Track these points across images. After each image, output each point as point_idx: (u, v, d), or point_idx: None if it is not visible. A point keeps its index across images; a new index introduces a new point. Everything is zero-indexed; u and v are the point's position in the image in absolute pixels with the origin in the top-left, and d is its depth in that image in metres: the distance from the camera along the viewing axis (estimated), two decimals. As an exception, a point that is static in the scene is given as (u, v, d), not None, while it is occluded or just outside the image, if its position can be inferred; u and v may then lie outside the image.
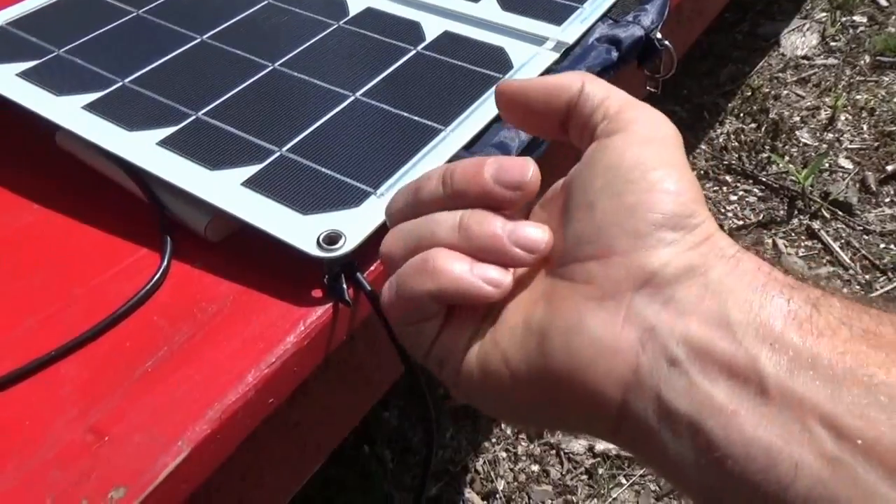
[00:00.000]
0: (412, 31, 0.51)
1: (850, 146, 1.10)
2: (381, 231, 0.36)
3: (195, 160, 0.40)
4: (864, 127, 1.14)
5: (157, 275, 0.38)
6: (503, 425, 0.80)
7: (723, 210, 1.03)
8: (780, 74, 1.28)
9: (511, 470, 0.76)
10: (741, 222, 1.01)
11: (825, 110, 1.18)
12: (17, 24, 0.52)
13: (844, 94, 1.21)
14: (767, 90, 1.23)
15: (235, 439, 0.33)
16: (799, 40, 1.38)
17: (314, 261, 0.35)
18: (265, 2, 0.54)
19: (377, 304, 0.35)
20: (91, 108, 0.44)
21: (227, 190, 0.38)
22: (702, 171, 1.09)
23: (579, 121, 0.27)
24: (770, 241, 0.98)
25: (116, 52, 0.49)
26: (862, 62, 1.29)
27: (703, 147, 1.13)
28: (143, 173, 0.40)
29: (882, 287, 0.90)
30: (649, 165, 0.25)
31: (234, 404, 0.32)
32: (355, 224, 0.36)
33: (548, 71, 0.47)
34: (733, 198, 1.05)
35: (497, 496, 0.73)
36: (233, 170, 0.39)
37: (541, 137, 0.28)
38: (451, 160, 0.40)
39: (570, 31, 0.50)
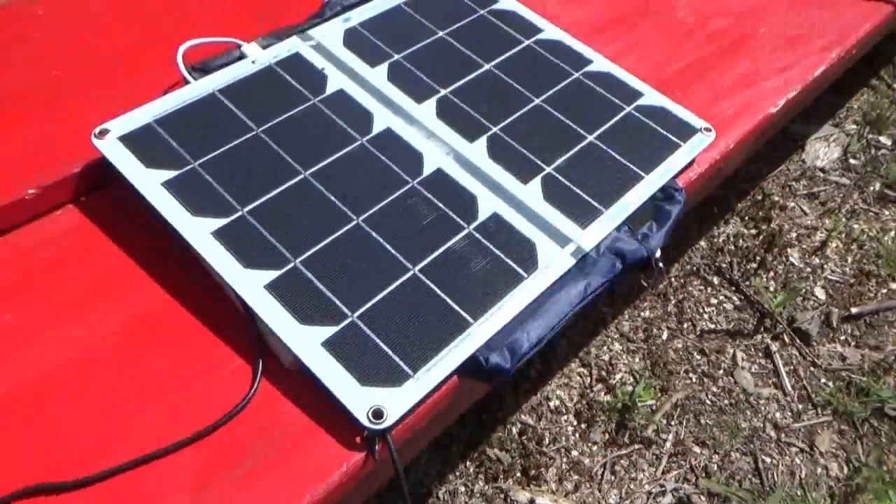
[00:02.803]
0: (469, 206, 0.64)
1: (829, 276, 1.24)
2: (413, 409, 0.52)
3: (290, 310, 0.55)
4: (849, 259, 1.27)
5: (251, 393, 0.53)
6: (468, 463, 0.98)
7: (701, 311, 1.18)
8: (794, 183, 1.40)
9: (468, 501, 0.94)
10: (713, 326, 1.16)
11: (822, 233, 1.30)
12: (161, 124, 0.66)
13: (844, 219, 1.33)
14: (777, 198, 1.35)
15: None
16: (822, 150, 1.49)
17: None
18: (358, 142, 0.68)
19: (396, 463, 0.51)
20: (218, 235, 0.59)
21: (310, 347, 0.53)
22: (694, 268, 1.23)
23: None
24: (731, 351, 1.14)
25: (238, 173, 0.63)
26: (872, 188, 1.41)
27: (702, 243, 1.27)
28: (252, 310, 0.55)
29: (808, 420, 1.06)
30: None
31: (291, 514, 0.49)
32: (396, 403, 0.51)
33: (566, 273, 0.61)
34: (714, 301, 1.20)
35: None
36: (316, 328, 0.55)
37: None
38: (468, 361, 0.55)
39: (590, 235, 0.64)
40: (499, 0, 0.84)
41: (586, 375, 1.08)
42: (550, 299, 0.60)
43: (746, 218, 1.31)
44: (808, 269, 1.24)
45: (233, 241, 0.59)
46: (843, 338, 1.15)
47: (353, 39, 0.77)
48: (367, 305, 0.56)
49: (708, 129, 0.75)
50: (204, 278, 0.59)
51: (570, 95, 0.75)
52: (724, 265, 1.23)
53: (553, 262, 0.62)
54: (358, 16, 0.80)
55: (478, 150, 0.68)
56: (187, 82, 0.71)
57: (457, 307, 0.57)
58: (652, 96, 0.77)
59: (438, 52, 0.77)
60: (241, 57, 0.74)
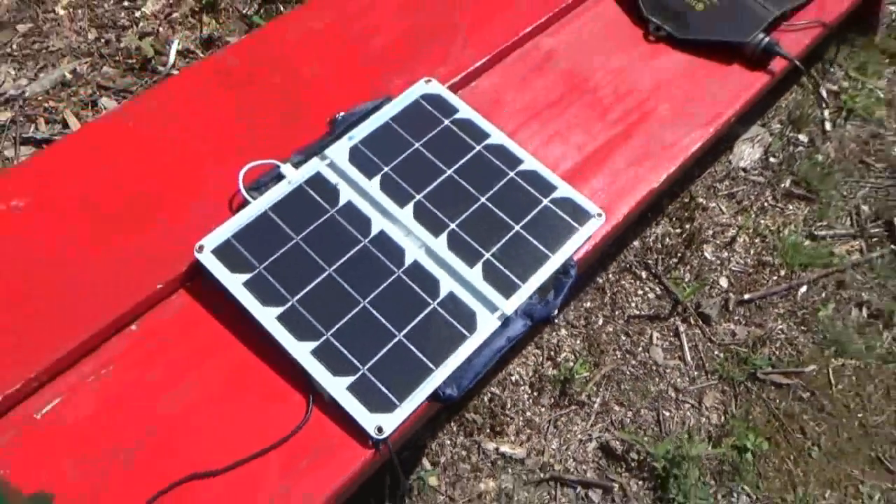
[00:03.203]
0: (434, 288, 1.01)
1: (733, 268, 1.59)
2: (401, 426, 0.91)
3: (327, 367, 0.94)
4: (752, 252, 1.62)
5: (307, 416, 0.93)
6: (452, 423, 1.38)
7: (630, 300, 1.55)
8: (718, 184, 1.72)
9: (450, 451, 1.35)
10: (638, 312, 1.53)
11: (733, 229, 1.64)
12: (236, 238, 1.02)
13: (754, 215, 1.67)
14: (702, 200, 1.69)
15: None
16: (747, 151, 1.80)
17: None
18: (362, 244, 1.04)
19: (393, 456, 0.91)
20: (280, 319, 0.97)
21: (339, 390, 0.92)
22: (627, 265, 1.58)
23: None
24: (650, 332, 1.51)
25: (288, 273, 1.00)
26: (783, 185, 1.73)
27: (635, 243, 1.62)
28: (304, 368, 0.94)
29: (700, 383, 1.45)
30: None
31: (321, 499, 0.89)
32: (390, 422, 0.91)
33: (494, 334, 0.99)
34: (640, 292, 1.56)
35: (440, 464, 1.34)
36: (343, 378, 0.93)
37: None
38: (432, 394, 0.93)
39: (511, 304, 1.01)
40: (459, 110, 1.18)
41: (539, 355, 1.47)
42: (483, 350, 0.97)
43: (674, 219, 1.66)
44: (718, 262, 1.60)
45: (289, 322, 0.97)
46: (736, 318, 1.53)
47: (355, 156, 1.11)
48: (372, 361, 0.95)
49: (600, 214, 1.10)
50: (273, 344, 0.98)
51: (505, 193, 1.10)
52: (650, 262, 1.59)
53: (486, 324, 0.99)
54: (358, 133, 1.14)
55: (441, 243, 1.05)
56: (245, 199, 1.07)
57: (425, 359, 0.96)
58: (563, 189, 1.11)
59: (415, 162, 1.12)
60: (281, 176, 1.09)
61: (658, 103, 1.28)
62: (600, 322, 1.52)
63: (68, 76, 1.92)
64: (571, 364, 1.45)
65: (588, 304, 1.54)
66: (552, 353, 1.48)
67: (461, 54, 1.30)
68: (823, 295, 1.56)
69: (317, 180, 1.09)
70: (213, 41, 1.97)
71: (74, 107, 1.86)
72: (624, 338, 1.51)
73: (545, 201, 1.10)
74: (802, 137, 1.83)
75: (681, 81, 1.31)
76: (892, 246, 1.63)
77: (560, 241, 1.07)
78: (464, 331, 0.99)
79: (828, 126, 1.84)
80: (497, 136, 1.16)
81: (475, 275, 1.03)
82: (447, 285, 1.02)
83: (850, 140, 1.82)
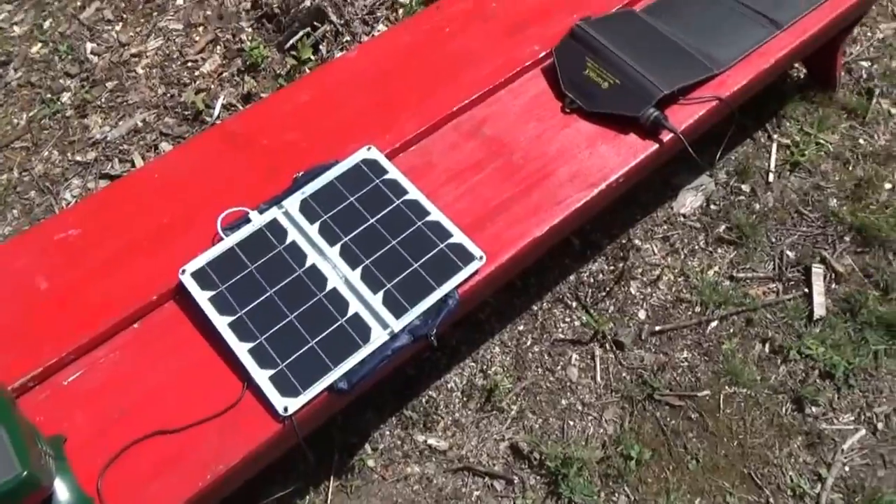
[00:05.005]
0: (343, 308, 1.37)
1: (653, 302, 1.84)
2: (305, 408, 1.28)
3: (257, 362, 1.31)
4: (673, 289, 1.86)
5: (241, 396, 1.31)
6: (392, 418, 1.72)
7: (558, 326, 1.83)
8: (656, 228, 1.97)
9: (389, 440, 1.70)
10: (563, 337, 1.81)
11: (660, 269, 1.89)
12: (208, 265, 1.42)
13: (683, 257, 1.91)
14: (638, 241, 1.94)
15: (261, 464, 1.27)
16: (690, 199, 2.04)
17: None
18: (297, 273, 1.41)
19: (297, 429, 1.27)
20: (230, 325, 1.36)
21: (263, 379, 1.30)
22: (560, 296, 1.86)
23: None
24: (570, 354, 1.79)
25: (241, 293, 1.39)
26: (717, 230, 1.96)
27: (571, 277, 1.89)
28: (241, 360, 1.32)
29: (605, 400, 1.71)
30: None
31: (248, 451, 1.27)
32: (294, 404, 1.27)
33: (383, 346, 1.33)
34: (568, 320, 1.84)
35: (378, 449, 1.68)
36: (267, 370, 1.30)
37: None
38: (328, 386, 1.29)
39: (400, 323, 1.35)
40: (389, 172, 1.53)
41: (474, 367, 1.79)
42: (373, 357, 1.32)
43: (609, 257, 1.93)
44: (640, 297, 1.86)
45: (236, 328, 1.35)
46: (647, 346, 1.78)
47: (304, 206, 1.49)
48: (289, 360, 1.32)
49: (482, 257, 1.41)
50: (224, 343, 1.36)
51: (412, 238, 1.44)
52: (581, 294, 1.87)
53: (378, 338, 1.34)
54: (309, 189, 1.52)
55: (356, 275, 1.40)
56: (221, 238, 1.47)
57: (328, 361, 1.31)
58: (457, 236, 1.44)
59: (347, 212, 1.48)
60: (248, 220, 1.49)
61: (559, 166, 1.58)
62: (529, 343, 1.82)
63: (139, 124, 2.43)
64: (499, 377, 1.76)
65: (521, 327, 1.84)
66: (485, 366, 1.79)
67: (406, 124, 1.66)
68: (731, 330, 1.79)
69: (273, 224, 1.47)
70: (251, 96, 2.42)
71: (141, 149, 2.36)
72: (547, 357, 1.80)
73: (441, 245, 1.43)
74: (745, 187, 2.04)
75: (582, 147, 1.61)
76: (805, 290, 1.82)
77: (446, 276, 1.40)
78: (360, 341, 1.33)
79: (771, 177, 2.04)
80: (413, 193, 1.50)
81: (377, 300, 1.38)
82: (354, 307, 1.37)
83: (791, 191, 2.02)
